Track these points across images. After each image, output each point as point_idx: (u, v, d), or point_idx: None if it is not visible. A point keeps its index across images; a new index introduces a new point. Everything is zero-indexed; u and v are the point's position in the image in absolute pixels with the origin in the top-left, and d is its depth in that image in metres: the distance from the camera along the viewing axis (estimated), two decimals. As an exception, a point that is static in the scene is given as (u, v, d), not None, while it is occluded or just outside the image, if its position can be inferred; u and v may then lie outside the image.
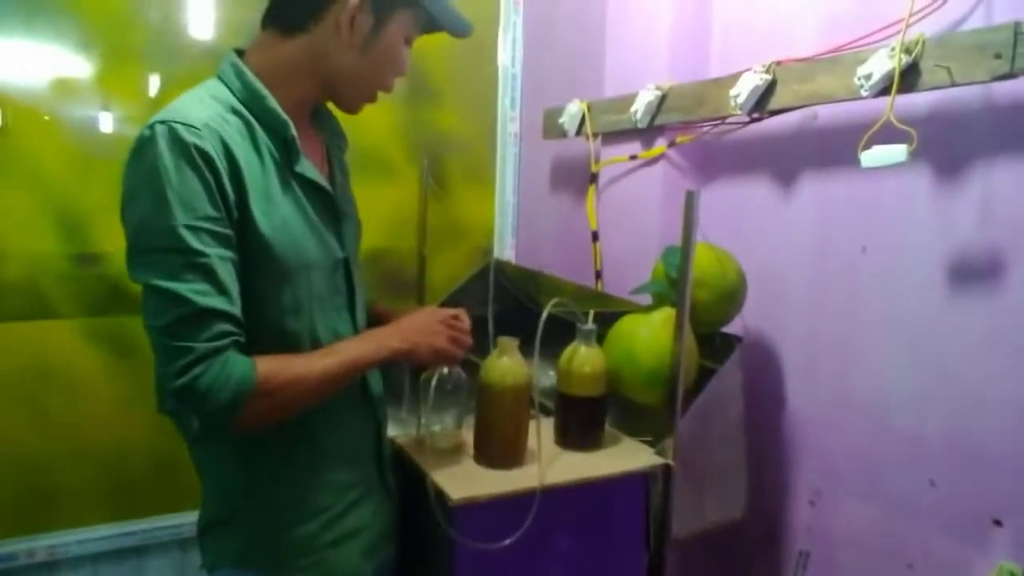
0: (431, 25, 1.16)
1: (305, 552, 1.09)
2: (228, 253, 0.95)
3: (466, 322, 1.19)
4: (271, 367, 0.96)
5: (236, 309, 0.95)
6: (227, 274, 0.94)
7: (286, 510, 1.08)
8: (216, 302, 0.92)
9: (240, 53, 1.09)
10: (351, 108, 1.16)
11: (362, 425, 1.17)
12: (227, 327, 0.93)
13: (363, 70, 1.09)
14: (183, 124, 0.94)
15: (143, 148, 0.94)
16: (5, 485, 1.76)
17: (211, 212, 0.93)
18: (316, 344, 1.07)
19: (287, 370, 0.98)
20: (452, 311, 1.19)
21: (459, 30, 1.19)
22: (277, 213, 1.02)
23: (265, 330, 1.02)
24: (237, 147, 0.98)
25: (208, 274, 0.92)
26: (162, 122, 0.94)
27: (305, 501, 1.09)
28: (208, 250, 0.92)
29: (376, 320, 1.26)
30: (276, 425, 1.02)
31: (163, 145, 0.92)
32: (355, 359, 1.05)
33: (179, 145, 0.92)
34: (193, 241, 0.91)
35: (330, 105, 1.19)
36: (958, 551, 1.21)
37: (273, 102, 1.04)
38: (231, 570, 1.10)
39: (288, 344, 1.04)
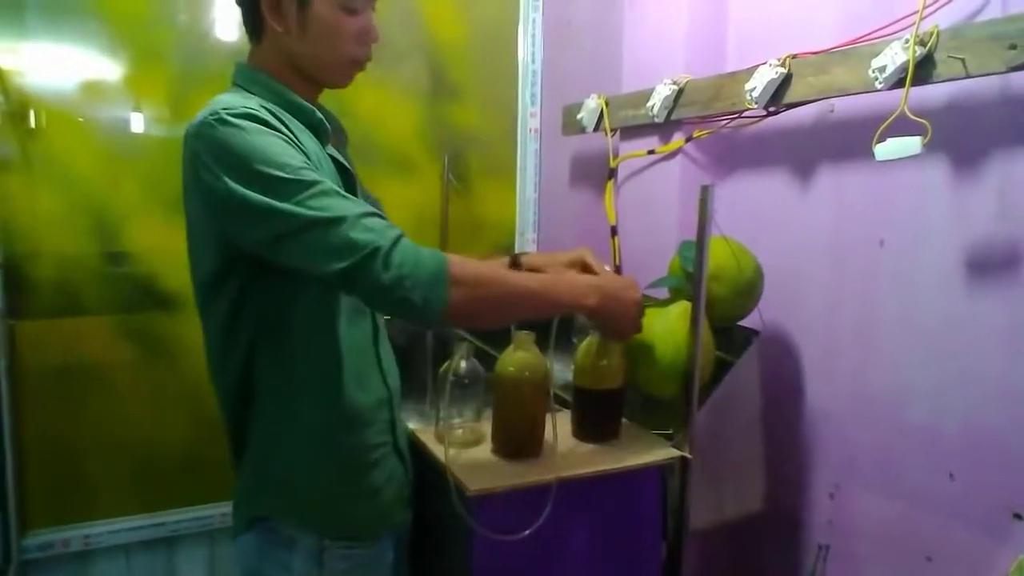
0: None
1: (326, 507, 1.14)
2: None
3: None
4: (457, 256, 1.03)
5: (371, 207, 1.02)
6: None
7: (311, 468, 1.13)
8: (361, 207, 0.99)
9: (246, 65, 1.15)
10: (337, 85, 1.19)
11: (377, 396, 1.21)
12: (383, 219, 1.00)
13: (313, 50, 1.11)
14: (243, 106, 1.01)
15: (224, 125, 0.98)
16: (41, 477, 1.81)
17: (305, 159, 1.01)
18: (331, 316, 1.12)
19: (478, 265, 1.06)
20: (641, 296, 1.22)
21: None
22: None
23: (303, 291, 1.08)
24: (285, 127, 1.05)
25: (338, 194, 0.99)
26: (224, 109, 1.00)
27: (328, 460, 1.14)
28: (324, 179, 0.99)
29: (519, 262, 1.35)
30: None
31: (241, 121, 0.99)
32: (555, 290, 1.12)
33: (252, 119, 1.00)
34: (312, 175, 0.98)
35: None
36: (978, 545, 1.21)
37: (294, 95, 1.12)
38: (258, 534, 1.15)
39: (325, 308, 1.11)
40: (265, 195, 0.96)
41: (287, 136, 1.02)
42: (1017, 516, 1.16)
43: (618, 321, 1.19)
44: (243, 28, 1.15)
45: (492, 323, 1.16)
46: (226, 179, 0.98)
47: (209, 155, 0.99)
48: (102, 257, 1.83)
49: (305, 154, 1.03)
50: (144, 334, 1.87)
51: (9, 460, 1.73)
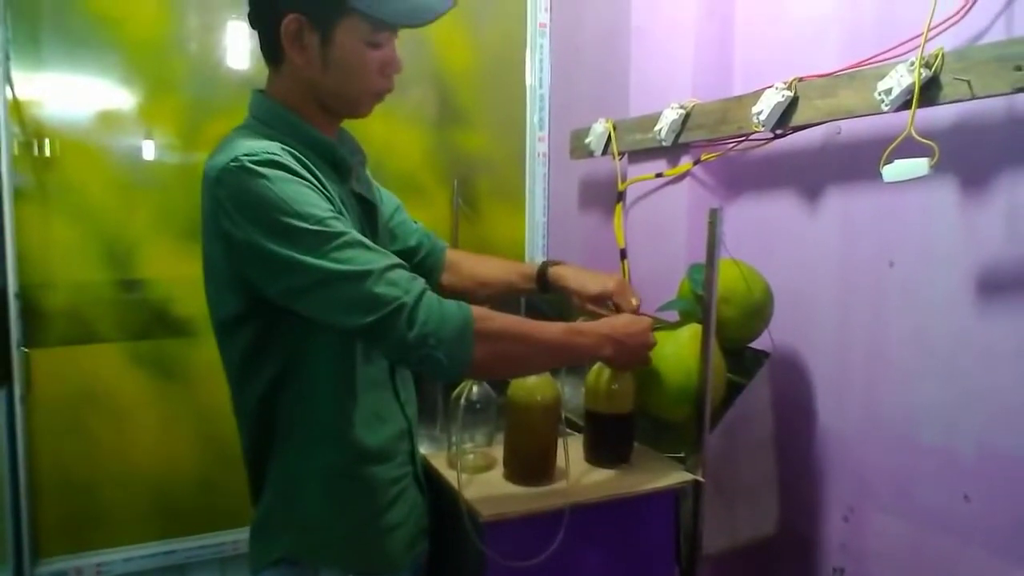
0: (383, 26, 1.08)
1: (352, 544, 1.14)
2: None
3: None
4: (481, 310, 1.03)
5: (398, 259, 1.02)
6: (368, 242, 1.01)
7: (337, 507, 1.13)
8: (385, 260, 0.99)
9: (262, 93, 1.14)
10: (357, 116, 1.17)
11: (397, 425, 1.20)
12: (408, 272, 1.01)
13: (334, 82, 1.09)
14: (264, 152, 0.99)
15: (245, 174, 0.97)
16: (55, 505, 1.82)
17: (330, 206, 1.01)
18: (349, 350, 1.11)
19: (501, 320, 1.05)
20: (654, 336, 1.26)
21: (418, 20, 1.10)
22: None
23: (322, 332, 1.07)
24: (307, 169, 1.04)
25: (363, 244, 0.99)
26: (246, 155, 0.98)
27: (354, 497, 1.14)
28: (349, 230, 0.99)
29: (547, 280, 1.39)
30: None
31: (263, 169, 0.97)
32: (574, 344, 1.15)
33: (274, 165, 0.98)
34: (337, 226, 0.98)
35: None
36: (995, 567, 1.20)
37: (313, 129, 1.10)
38: (279, 570, 1.13)
39: (344, 346, 1.10)
40: (288, 248, 0.96)
41: (311, 182, 1.01)
42: (1035, 538, 1.15)
43: (629, 362, 1.25)
44: (257, 55, 1.14)
45: (513, 375, 1.20)
46: (248, 230, 0.97)
47: (231, 203, 0.98)
48: (115, 285, 1.85)
49: (329, 199, 1.03)
50: (157, 361, 1.89)
51: (23, 487, 1.73)
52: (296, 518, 1.13)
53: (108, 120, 1.82)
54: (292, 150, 1.04)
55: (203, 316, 1.15)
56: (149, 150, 1.88)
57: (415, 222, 1.43)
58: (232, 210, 0.98)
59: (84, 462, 1.84)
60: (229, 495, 1.90)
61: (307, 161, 1.04)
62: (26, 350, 1.75)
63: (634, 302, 1.32)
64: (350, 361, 1.11)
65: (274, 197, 0.96)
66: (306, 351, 1.08)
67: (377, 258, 0.99)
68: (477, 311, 1.02)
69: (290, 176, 0.99)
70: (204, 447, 1.91)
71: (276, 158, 0.99)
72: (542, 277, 1.41)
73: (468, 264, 1.46)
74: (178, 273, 1.86)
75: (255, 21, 1.10)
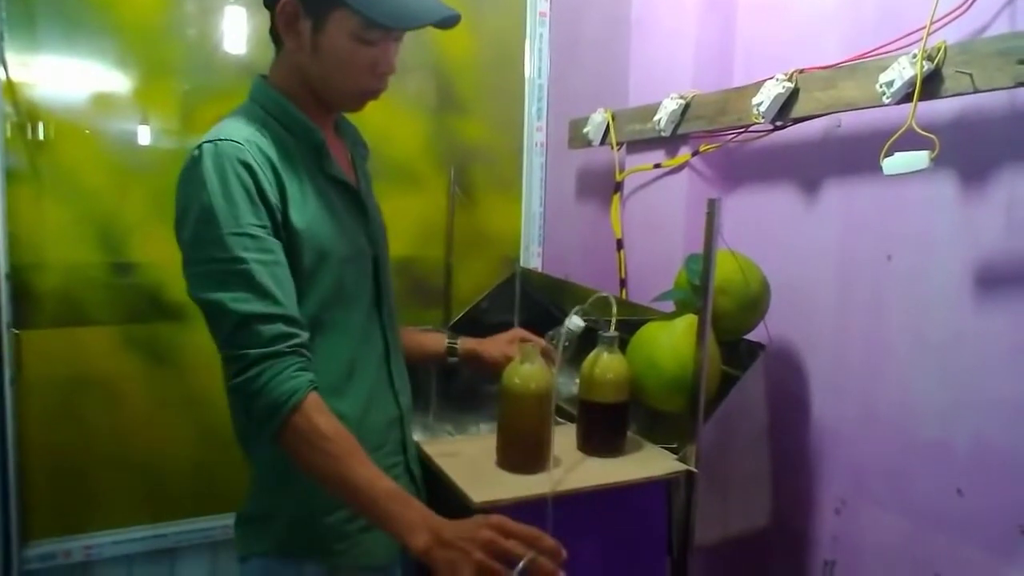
0: (374, 24, 1.06)
1: (339, 538, 1.13)
2: (269, 257, 1.01)
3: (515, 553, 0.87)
4: (322, 415, 0.98)
5: (283, 308, 0.99)
6: (269, 277, 0.99)
7: (319, 500, 1.11)
8: (255, 307, 0.98)
9: (264, 77, 1.17)
10: (348, 110, 1.21)
11: (388, 415, 1.20)
12: (278, 328, 0.98)
13: (323, 72, 1.10)
14: (228, 140, 1.03)
15: (192, 167, 1.03)
16: (44, 487, 1.80)
17: (252, 219, 1.01)
18: (343, 335, 1.12)
19: (327, 428, 0.98)
20: (518, 532, 0.89)
21: (405, 23, 1.09)
22: (310, 212, 1.08)
23: (315, 318, 1.08)
24: (275, 156, 1.06)
25: (247, 280, 0.98)
26: (208, 142, 1.03)
27: None
28: (248, 255, 0.99)
29: (469, 356, 1.39)
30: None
31: (209, 162, 1.01)
32: (386, 506, 0.95)
33: (223, 159, 1.01)
34: (236, 248, 0.98)
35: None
36: (986, 561, 1.20)
37: (299, 112, 1.12)
38: (266, 559, 1.13)
39: (319, 333, 1.09)
40: (194, 254, 1.03)
41: (258, 182, 1.02)
42: (1026, 533, 1.15)
43: (452, 563, 0.88)
44: (254, 40, 1.15)
45: (308, 474, 1.04)
46: (177, 214, 1.06)
47: (178, 184, 1.06)
48: (108, 268, 1.83)
49: (268, 206, 1.03)
50: (149, 344, 1.87)
51: (12, 470, 1.72)
52: (282, 511, 1.12)
53: (103, 103, 1.80)
54: (272, 134, 1.08)
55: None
56: (144, 134, 1.86)
57: None
58: (179, 182, 1.05)
59: (74, 445, 1.82)
60: (220, 480, 1.89)
61: (286, 144, 1.09)
62: (16, 332, 1.73)
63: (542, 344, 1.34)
64: (340, 343, 1.12)
65: (216, 185, 1.00)
66: None
67: (248, 301, 0.98)
68: (309, 401, 0.97)
69: (244, 175, 1.01)
70: (195, 431, 1.90)
71: (240, 152, 1.02)
72: (451, 350, 1.44)
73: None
74: (171, 257, 1.78)
75: (265, 1, 1.12)
